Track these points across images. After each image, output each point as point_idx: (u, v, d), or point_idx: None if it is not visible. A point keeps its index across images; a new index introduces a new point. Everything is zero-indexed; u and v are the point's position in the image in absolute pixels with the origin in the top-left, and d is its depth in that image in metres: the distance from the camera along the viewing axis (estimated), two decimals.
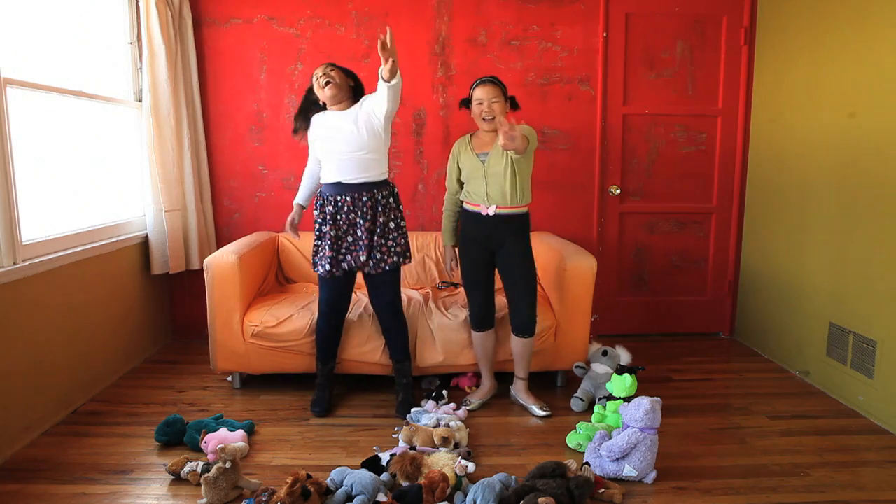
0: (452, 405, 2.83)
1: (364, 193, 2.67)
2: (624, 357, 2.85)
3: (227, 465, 2.11)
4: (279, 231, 3.77)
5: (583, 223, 3.91)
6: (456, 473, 2.16)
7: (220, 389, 3.13)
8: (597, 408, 2.72)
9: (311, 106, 2.80)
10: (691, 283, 4.03)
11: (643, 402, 2.25)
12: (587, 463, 2.25)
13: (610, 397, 2.69)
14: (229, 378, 3.18)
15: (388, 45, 2.34)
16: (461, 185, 2.86)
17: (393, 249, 2.72)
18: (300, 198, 2.93)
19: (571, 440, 2.54)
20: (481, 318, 2.85)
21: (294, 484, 1.96)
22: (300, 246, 3.64)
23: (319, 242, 2.74)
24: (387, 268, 2.71)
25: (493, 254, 2.79)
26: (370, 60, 3.69)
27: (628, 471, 2.23)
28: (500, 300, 2.99)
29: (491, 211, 2.71)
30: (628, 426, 2.27)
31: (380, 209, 2.69)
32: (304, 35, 3.69)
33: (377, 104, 2.60)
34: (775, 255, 3.58)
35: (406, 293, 3.28)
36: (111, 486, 2.23)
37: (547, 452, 2.49)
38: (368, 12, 3.68)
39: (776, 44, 3.56)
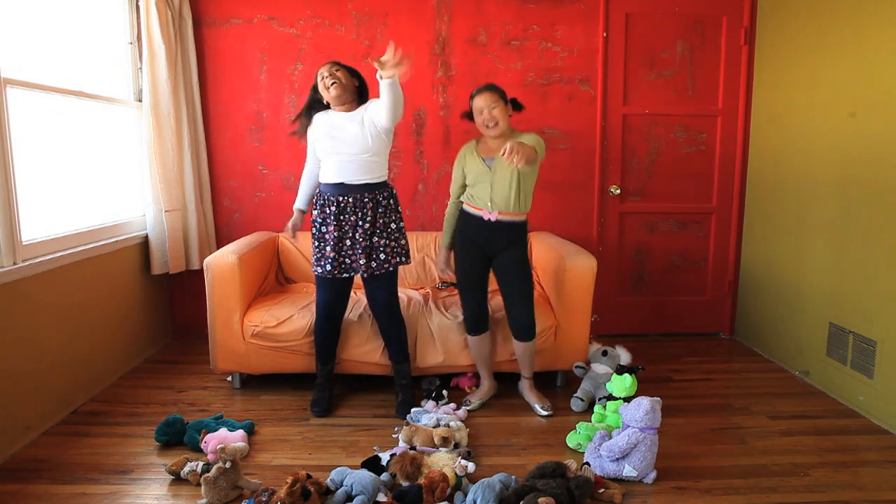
0: (452, 405, 2.83)
1: (366, 195, 2.66)
2: (624, 357, 2.85)
3: (227, 465, 2.11)
4: (279, 231, 3.77)
5: (583, 223, 3.91)
6: (456, 473, 2.16)
7: (220, 389, 3.13)
8: (597, 408, 2.72)
9: (315, 105, 2.77)
10: (691, 283, 4.03)
11: (643, 402, 2.25)
12: (587, 463, 2.25)
13: (610, 397, 2.69)
14: (229, 378, 3.18)
15: (390, 62, 2.32)
16: (465, 190, 2.85)
17: (395, 250, 2.72)
18: (300, 202, 2.90)
19: (571, 440, 2.54)
20: (476, 320, 2.85)
21: (294, 484, 1.96)
22: (300, 246, 3.64)
23: (319, 243, 2.71)
24: (390, 268, 2.70)
25: (490, 258, 2.79)
26: (370, 61, 3.67)
27: (628, 471, 2.24)
28: (497, 301, 2.99)
29: (493, 216, 2.71)
30: (628, 426, 2.27)
31: (380, 210, 2.69)
32: (304, 35, 3.69)
33: (378, 117, 2.56)
34: (775, 255, 3.58)
35: (406, 293, 3.29)
36: (111, 486, 2.23)
37: (547, 452, 2.49)
38: (368, 12, 3.68)
39: (776, 44, 3.56)
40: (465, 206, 2.81)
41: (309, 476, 2.08)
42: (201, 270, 3.55)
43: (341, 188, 2.66)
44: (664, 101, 3.84)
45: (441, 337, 2.99)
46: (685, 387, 3.21)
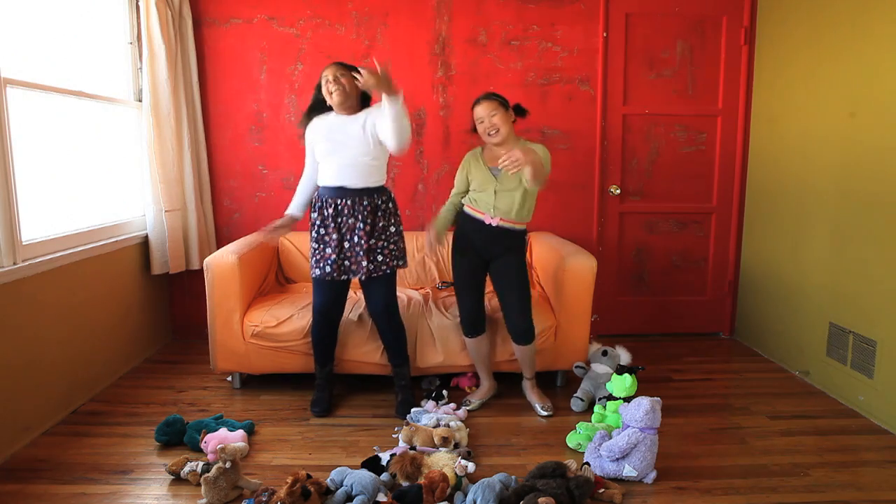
0: (452, 405, 2.83)
1: (365, 198, 2.65)
2: (624, 357, 2.85)
3: (227, 465, 2.11)
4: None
5: (583, 223, 3.91)
6: (456, 473, 2.16)
7: (220, 389, 3.13)
8: (597, 408, 2.72)
9: (319, 105, 2.73)
10: (691, 283, 4.03)
11: (643, 402, 2.25)
12: (587, 463, 2.25)
13: (610, 397, 2.69)
14: (229, 378, 3.18)
15: (368, 77, 2.29)
16: (465, 195, 2.84)
17: (393, 253, 2.71)
18: (295, 208, 2.83)
19: (571, 440, 2.54)
20: (472, 322, 2.84)
21: (294, 484, 1.96)
22: (300, 246, 3.64)
23: (318, 245, 2.70)
24: (388, 270, 2.70)
25: (487, 261, 2.79)
26: (370, 61, 3.68)
27: (628, 471, 2.24)
28: (496, 302, 2.98)
29: (495, 222, 2.70)
30: (628, 426, 2.27)
31: (379, 214, 2.68)
32: (304, 35, 3.69)
33: (383, 138, 2.55)
34: (775, 255, 3.58)
35: (406, 293, 3.29)
36: (111, 486, 2.23)
37: (547, 452, 2.49)
38: (368, 12, 3.68)
39: (776, 44, 3.56)
40: (467, 209, 2.79)
41: (309, 476, 2.08)
42: (201, 270, 3.55)
43: (340, 191, 2.65)
44: (664, 101, 3.84)
45: (441, 337, 2.99)
46: (685, 387, 3.21)
